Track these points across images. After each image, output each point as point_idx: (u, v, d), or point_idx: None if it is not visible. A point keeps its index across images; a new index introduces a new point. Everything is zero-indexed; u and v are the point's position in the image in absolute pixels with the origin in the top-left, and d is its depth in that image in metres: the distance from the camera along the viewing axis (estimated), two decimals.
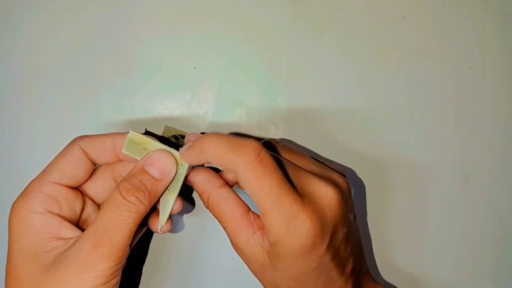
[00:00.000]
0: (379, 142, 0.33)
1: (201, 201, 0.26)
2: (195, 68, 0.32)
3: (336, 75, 0.33)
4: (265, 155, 0.23)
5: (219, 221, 0.26)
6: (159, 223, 0.26)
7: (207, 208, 0.26)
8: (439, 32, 0.33)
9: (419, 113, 0.33)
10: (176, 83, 0.32)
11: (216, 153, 0.23)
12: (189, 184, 0.26)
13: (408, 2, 0.33)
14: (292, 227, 0.22)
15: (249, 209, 0.26)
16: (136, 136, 0.26)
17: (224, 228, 0.26)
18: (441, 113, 0.33)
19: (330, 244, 0.24)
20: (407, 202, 0.33)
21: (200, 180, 0.26)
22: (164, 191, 0.26)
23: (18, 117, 0.32)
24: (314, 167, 0.26)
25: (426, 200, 0.33)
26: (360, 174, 0.33)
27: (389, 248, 0.33)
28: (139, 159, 0.26)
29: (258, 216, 0.25)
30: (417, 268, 0.33)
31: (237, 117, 0.32)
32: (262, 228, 0.24)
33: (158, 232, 0.27)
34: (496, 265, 0.33)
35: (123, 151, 0.26)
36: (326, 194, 0.24)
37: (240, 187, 0.26)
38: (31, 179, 0.25)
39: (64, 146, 0.26)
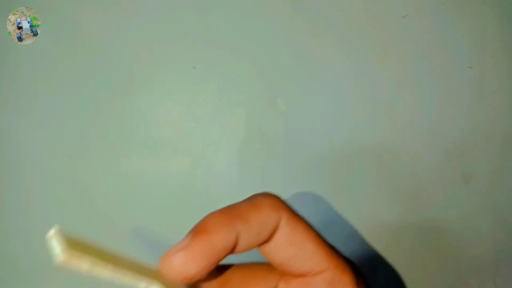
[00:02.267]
0: (378, 141, 0.33)
1: None
2: (194, 68, 0.32)
3: (336, 75, 0.33)
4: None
5: None
6: None
7: None
8: (439, 32, 0.33)
9: (419, 112, 0.33)
10: (175, 83, 0.32)
11: (261, 216, 0.18)
12: None
13: (408, 2, 0.33)
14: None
15: None
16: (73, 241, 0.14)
17: None
18: (441, 113, 0.33)
19: None
20: (407, 202, 0.33)
21: None
22: None
23: (17, 117, 0.32)
24: None
25: (426, 200, 0.33)
26: (359, 169, 0.33)
27: (389, 249, 0.33)
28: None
29: None
30: (417, 269, 0.33)
31: (237, 117, 0.32)
32: None
33: None
34: (497, 265, 0.33)
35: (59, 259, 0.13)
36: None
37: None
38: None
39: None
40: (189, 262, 0.16)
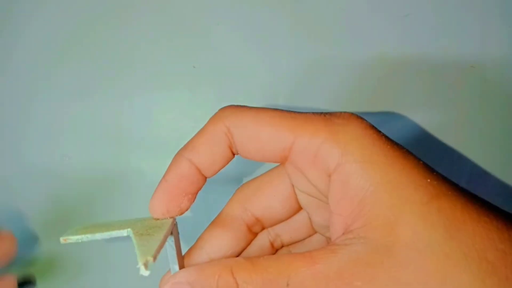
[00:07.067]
0: None
1: None
2: (194, 67, 0.32)
3: (336, 75, 0.32)
4: None
5: None
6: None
7: None
8: (440, 31, 0.33)
9: (419, 112, 0.33)
10: (175, 82, 0.32)
11: (205, 135, 0.19)
12: None
13: (409, 1, 0.33)
14: None
15: None
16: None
17: None
18: (442, 112, 0.33)
19: None
20: None
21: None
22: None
23: (16, 114, 0.32)
24: None
25: None
26: None
27: None
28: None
29: None
30: None
31: None
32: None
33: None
34: None
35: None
36: None
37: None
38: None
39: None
40: (160, 205, 0.20)
